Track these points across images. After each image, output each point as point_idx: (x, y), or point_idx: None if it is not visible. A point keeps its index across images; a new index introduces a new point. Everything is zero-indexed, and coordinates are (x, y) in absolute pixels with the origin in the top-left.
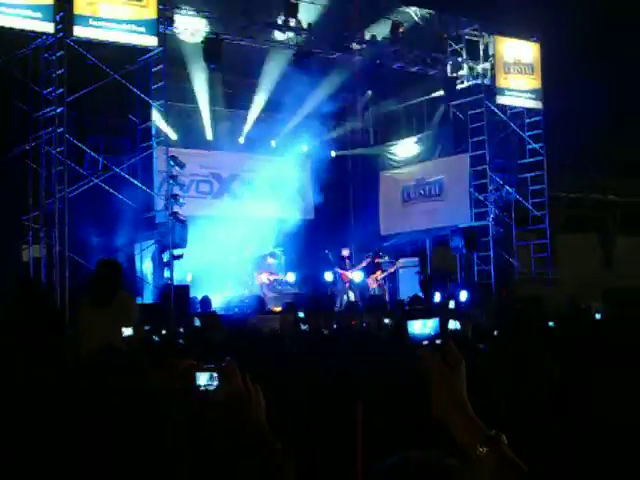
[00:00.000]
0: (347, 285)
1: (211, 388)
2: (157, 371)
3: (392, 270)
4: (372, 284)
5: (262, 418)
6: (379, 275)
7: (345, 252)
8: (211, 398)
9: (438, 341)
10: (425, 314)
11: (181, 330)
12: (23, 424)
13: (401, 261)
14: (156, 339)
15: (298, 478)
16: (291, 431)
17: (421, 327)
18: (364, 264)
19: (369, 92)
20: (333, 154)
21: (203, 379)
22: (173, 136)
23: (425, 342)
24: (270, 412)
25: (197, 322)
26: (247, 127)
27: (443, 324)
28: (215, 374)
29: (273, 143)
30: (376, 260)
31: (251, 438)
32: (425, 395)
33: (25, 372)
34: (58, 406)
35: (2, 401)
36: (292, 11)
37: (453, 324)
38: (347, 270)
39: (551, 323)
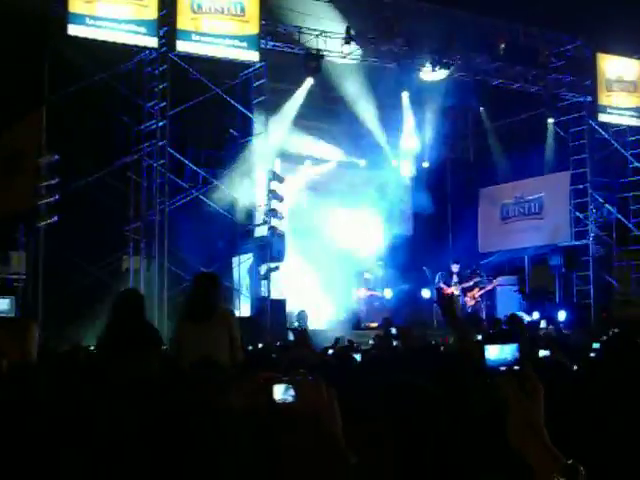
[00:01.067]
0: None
1: (288, 401)
2: (239, 386)
3: (490, 288)
4: (469, 301)
5: (338, 431)
6: (476, 292)
7: (454, 268)
8: (287, 410)
9: (516, 367)
10: (503, 339)
11: (278, 344)
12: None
13: (499, 279)
14: (249, 348)
15: None
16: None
17: (498, 353)
18: (470, 283)
19: (482, 109)
20: (426, 165)
21: (279, 392)
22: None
23: (502, 368)
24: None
25: (291, 336)
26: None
27: (523, 349)
28: (291, 387)
29: (363, 163)
30: (474, 277)
31: (326, 451)
32: (501, 423)
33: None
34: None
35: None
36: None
37: (543, 352)
38: (451, 286)
39: None
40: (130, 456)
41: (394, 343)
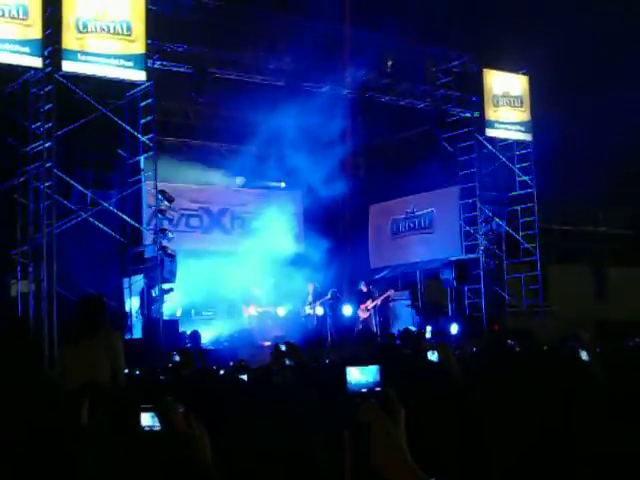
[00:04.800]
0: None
1: (156, 428)
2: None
3: (382, 298)
4: (362, 314)
5: (206, 457)
6: (369, 304)
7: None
8: (154, 438)
9: (378, 389)
10: (365, 361)
11: (170, 366)
12: None
13: (392, 291)
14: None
15: None
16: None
17: (360, 375)
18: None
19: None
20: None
21: (146, 420)
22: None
23: (364, 390)
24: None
25: (176, 358)
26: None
27: (384, 371)
28: (156, 415)
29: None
30: (364, 289)
31: (194, 477)
32: (363, 443)
33: None
34: None
35: None
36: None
37: (431, 355)
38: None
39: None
40: None
41: (287, 362)
